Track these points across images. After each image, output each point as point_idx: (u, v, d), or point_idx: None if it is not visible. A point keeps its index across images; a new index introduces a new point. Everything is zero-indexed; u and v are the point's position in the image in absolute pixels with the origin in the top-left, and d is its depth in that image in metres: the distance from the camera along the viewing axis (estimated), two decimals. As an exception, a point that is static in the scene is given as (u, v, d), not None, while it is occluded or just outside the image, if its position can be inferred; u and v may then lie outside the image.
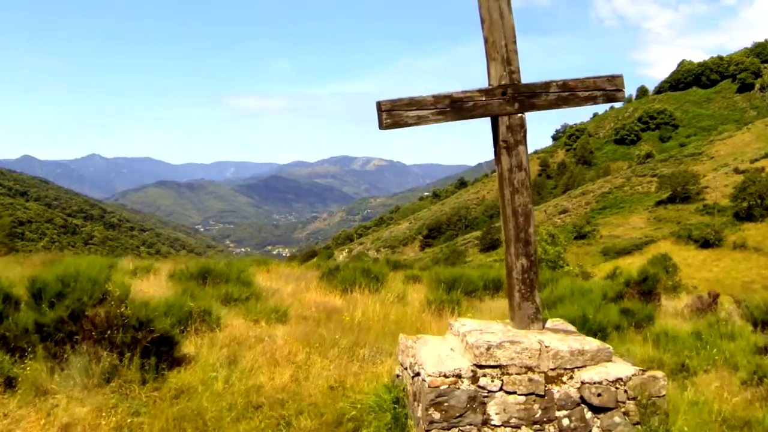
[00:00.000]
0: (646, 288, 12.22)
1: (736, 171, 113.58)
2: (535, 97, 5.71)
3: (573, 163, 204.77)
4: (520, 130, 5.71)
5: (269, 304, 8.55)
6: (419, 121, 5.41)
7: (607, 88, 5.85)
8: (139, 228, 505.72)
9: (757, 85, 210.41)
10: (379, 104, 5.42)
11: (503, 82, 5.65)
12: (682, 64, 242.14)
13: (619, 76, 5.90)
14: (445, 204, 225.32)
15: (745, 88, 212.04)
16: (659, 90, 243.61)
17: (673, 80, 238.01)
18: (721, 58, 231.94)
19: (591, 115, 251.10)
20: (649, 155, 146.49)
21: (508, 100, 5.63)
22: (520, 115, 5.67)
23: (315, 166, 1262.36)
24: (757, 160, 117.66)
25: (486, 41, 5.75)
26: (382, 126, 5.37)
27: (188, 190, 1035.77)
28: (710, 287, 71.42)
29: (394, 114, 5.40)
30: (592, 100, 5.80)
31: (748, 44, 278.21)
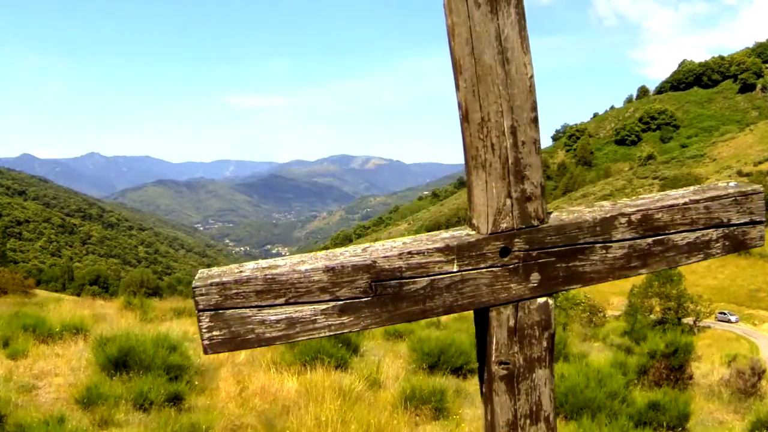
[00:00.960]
0: (676, 363, 10.02)
1: (740, 174, 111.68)
2: (577, 255, 2.03)
3: (573, 163, 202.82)
4: (541, 336, 2.07)
5: (194, 413, 6.54)
6: (291, 332, 1.86)
7: (732, 221, 2.18)
8: (138, 227, 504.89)
9: (759, 86, 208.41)
10: (194, 294, 1.83)
11: (504, 225, 1.97)
12: (683, 64, 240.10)
13: (756, 194, 2.19)
14: (444, 205, 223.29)
15: (746, 88, 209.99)
16: (660, 90, 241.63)
17: (674, 80, 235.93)
18: (722, 58, 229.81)
19: (591, 115, 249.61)
20: (650, 157, 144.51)
21: (514, 267, 2.01)
22: (543, 299, 2.04)
23: (314, 165, 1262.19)
24: (761, 162, 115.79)
25: (465, 115, 1.96)
26: (207, 347, 1.88)
27: (187, 188, 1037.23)
28: (715, 295, 69.27)
29: (230, 319, 1.84)
30: (702, 249, 2.16)
31: (749, 44, 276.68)
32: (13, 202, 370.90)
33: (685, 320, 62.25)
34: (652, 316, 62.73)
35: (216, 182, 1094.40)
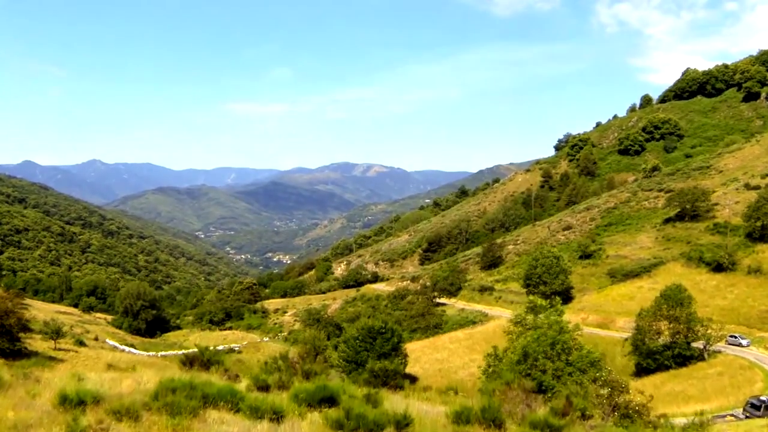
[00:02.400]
0: None
1: (747, 187, 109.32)
2: None
3: (576, 174, 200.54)
4: None
5: None
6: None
7: None
8: (139, 235, 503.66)
9: (764, 94, 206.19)
10: None
11: None
12: (686, 72, 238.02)
13: None
14: (445, 216, 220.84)
15: (751, 97, 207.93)
16: (663, 99, 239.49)
17: (678, 89, 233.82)
18: (726, 66, 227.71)
19: (594, 125, 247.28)
20: (655, 168, 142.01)
21: None
22: None
23: (316, 173, 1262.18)
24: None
25: None
26: None
27: (188, 196, 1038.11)
28: (725, 316, 66.90)
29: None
30: None
31: (751, 50, 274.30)
32: (13, 210, 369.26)
33: (694, 344, 59.99)
34: (660, 340, 60.48)
35: (217, 189, 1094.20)
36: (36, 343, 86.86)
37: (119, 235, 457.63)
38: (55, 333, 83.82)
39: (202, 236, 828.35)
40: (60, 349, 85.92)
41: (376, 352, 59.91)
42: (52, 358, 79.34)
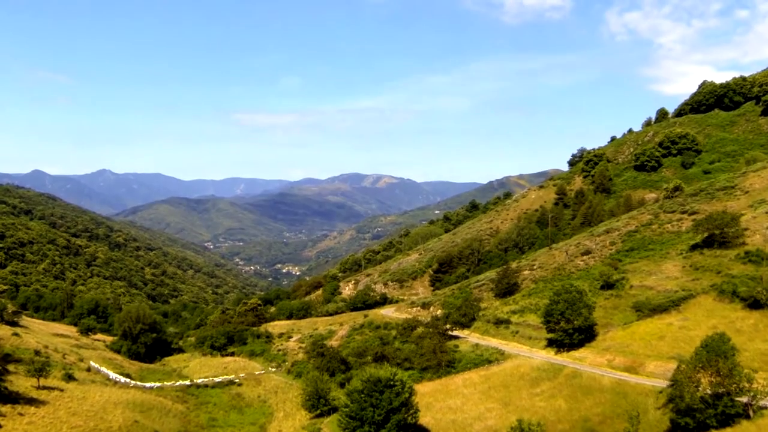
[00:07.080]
0: None
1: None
2: None
3: (591, 191, 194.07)
4: None
5: None
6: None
7: None
8: (146, 247, 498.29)
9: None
10: None
11: None
12: (703, 85, 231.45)
13: None
14: (456, 234, 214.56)
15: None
16: (680, 112, 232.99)
17: (694, 102, 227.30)
18: (744, 78, 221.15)
19: (609, 139, 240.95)
20: (677, 188, 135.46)
21: None
22: None
23: (325, 184, 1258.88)
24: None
25: None
26: None
27: (198, 206, 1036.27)
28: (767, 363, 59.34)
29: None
30: None
31: (761, 59, 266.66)
32: (18, 222, 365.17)
33: (737, 398, 53.77)
34: (699, 392, 54.29)
35: (226, 200, 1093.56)
36: (20, 380, 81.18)
37: (126, 248, 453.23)
38: (38, 371, 78.40)
39: (211, 247, 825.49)
40: (44, 388, 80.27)
41: (384, 408, 53.90)
42: (32, 401, 73.95)
